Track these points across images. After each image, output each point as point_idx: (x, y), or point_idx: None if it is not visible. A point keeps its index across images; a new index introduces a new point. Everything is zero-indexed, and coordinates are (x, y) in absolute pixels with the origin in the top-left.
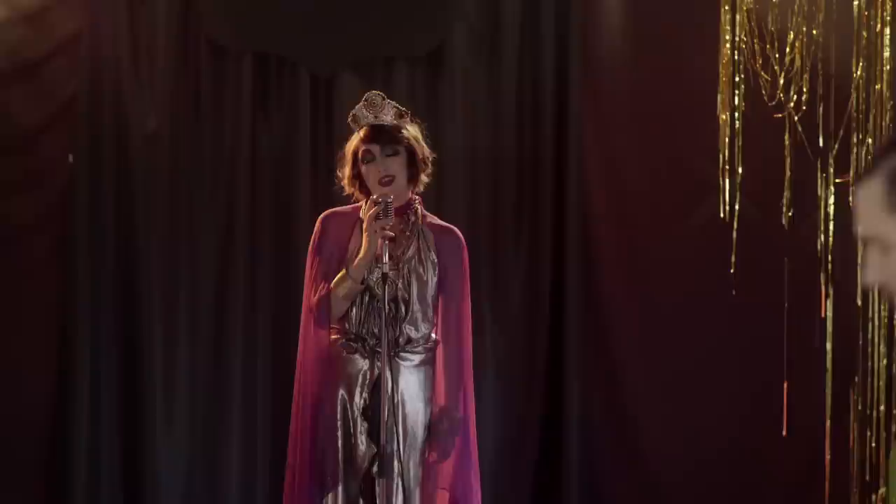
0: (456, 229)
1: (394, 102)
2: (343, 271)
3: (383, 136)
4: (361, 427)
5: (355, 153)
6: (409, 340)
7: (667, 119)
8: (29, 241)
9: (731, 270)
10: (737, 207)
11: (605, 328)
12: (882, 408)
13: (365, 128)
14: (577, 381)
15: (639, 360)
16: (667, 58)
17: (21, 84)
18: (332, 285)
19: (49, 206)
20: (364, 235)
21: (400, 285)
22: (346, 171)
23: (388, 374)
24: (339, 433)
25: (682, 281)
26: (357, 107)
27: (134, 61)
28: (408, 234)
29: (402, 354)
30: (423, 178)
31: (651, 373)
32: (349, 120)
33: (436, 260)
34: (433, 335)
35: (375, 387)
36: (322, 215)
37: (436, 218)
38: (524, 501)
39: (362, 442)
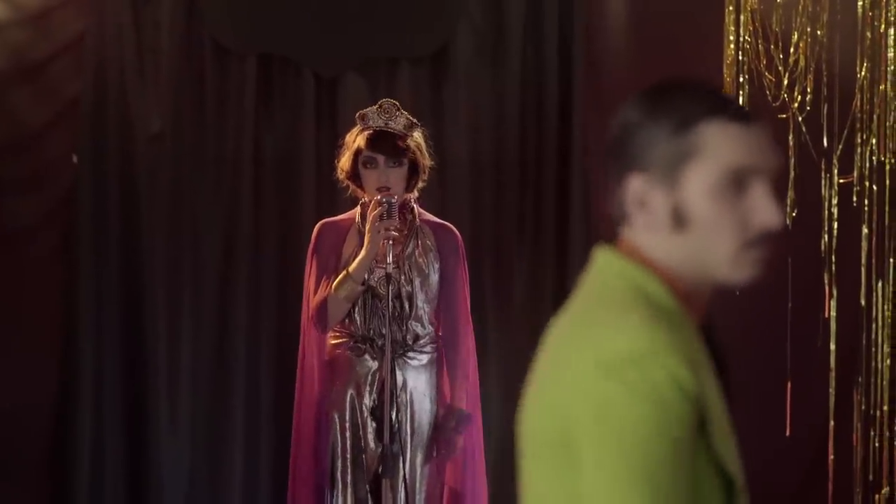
0: (452, 226)
1: (406, 113)
2: (344, 273)
3: (388, 147)
4: (371, 427)
5: (357, 153)
6: (417, 338)
7: None
8: (33, 239)
9: None
10: None
11: None
12: (885, 407)
13: (372, 130)
14: None
15: None
16: (670, 58)
17: (25, 84)
18: (332, 287)
19: (53, 206)
20: (366, 235)
21: (402, 282)
22: (345, 164)
23: (391, 372)
24: (349, 434)
25: None
26: (369, 109)
27: (138, 62)
28: (406, 232)
29: (411, 354)
30: (420, 184)
31: None
32: (357, 116)
33: (437, 256)
34: (440, 332)
35: (385, 386)
36: (318, 224)
37: (430, 215)
38: None
39: (371, 441)
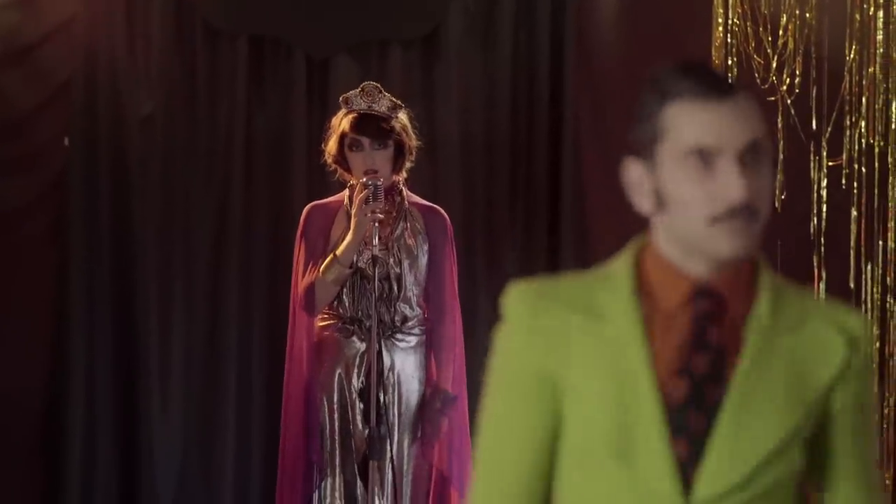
0: (440, 208)
1: (389, 95)
2: (331, 256)
3: (373, 129)
4: (359, 409)
5: (342, 137)
6: (405, 319)
7: None
8: (24, 222)
9: None
10: None
11: None
12: (875, 390)
13: (356, 114)
14: None
15: None
16: (660, 41)
17: (16, 67)
18: (320, 271)
19: (44, 189)
20: (353, 219)
21: (391, 263)
22: (331, 148)
23: (379, 354)
24: (337, 416)
25: None
26: (351, 92)
27: (129, 44)
28: (394, 214)
29: (399, 336)
30: (407, 164)
31: None
32: (340, 100)
33: (426, 238)
34: (427, 315)
35: (372, 368)
36: (307, 207)
37: (418, 198)
38: None
39: (360, 424)
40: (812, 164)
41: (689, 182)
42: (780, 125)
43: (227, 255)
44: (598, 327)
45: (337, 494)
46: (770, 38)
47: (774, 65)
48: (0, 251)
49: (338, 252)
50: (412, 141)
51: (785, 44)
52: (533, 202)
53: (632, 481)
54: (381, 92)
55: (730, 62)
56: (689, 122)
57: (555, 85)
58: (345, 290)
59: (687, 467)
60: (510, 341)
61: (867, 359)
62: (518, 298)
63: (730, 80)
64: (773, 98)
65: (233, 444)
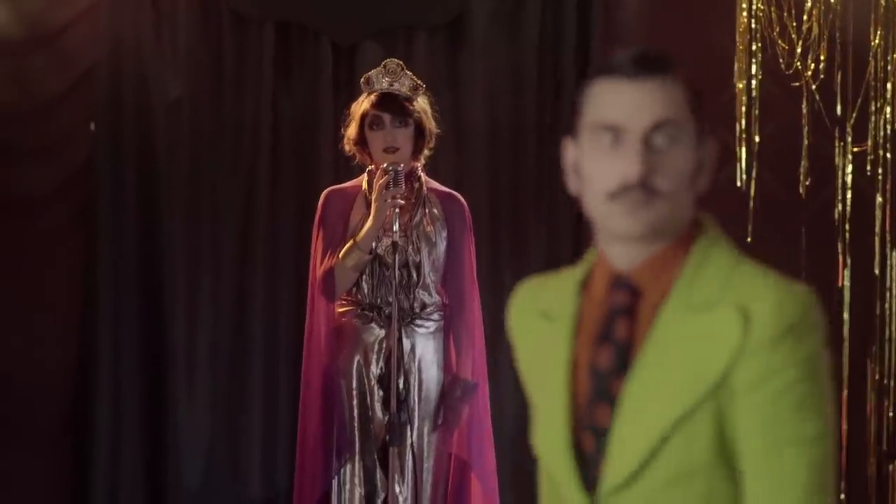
0: (458, 195)
1: (410, 74)
2: (351, 242)
3: (395, 106)
4: (378, 396)
5: (363, 116)
6: (424, 306)
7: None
8: (50, 208)
9: (748, 240)
10: (753, 176)
11: None
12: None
13: (377, 93)
14: None
15: None
16: (685, 26)
17: (42, 53)
18: (339, 256)
19: (69, 177)
20: (373, 204)
21: (410, 251)
22: (351, 132)
23: (399, 341)
24: (356, 402)
25: None
26: (374, 71)
27: (154, 30)
28: (413, 200)
29: (418, 322)
30: (427, 151)
31: None
32: (362, 81)
33: (445, 225)
34: (447, 301)
35: (392, 355)
36: (325, 192)
37: (437, 184)
38: None
39: (379, 410)
40: (837, 150)
41: (596, 157)
42: (804, 111)
43: (254, 244)
44: (547, 329)
45: (356, 481)
46: (794, 24)
47: (799, 50)
48: (25, 240)
49: (357, 238)
50: (432, 124)
51: (809, 29)
52: (558, 189)
53: (552, 481)
54: (403, 70)
55: (754, 47)
56: (603, 99)
57: (581, 71)
58: (364, 276)
59: (594, 462)
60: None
61: (777, 330)
62: (514, 299)
63: (664, 62)
64: (797, 84)
65: (259, 435)
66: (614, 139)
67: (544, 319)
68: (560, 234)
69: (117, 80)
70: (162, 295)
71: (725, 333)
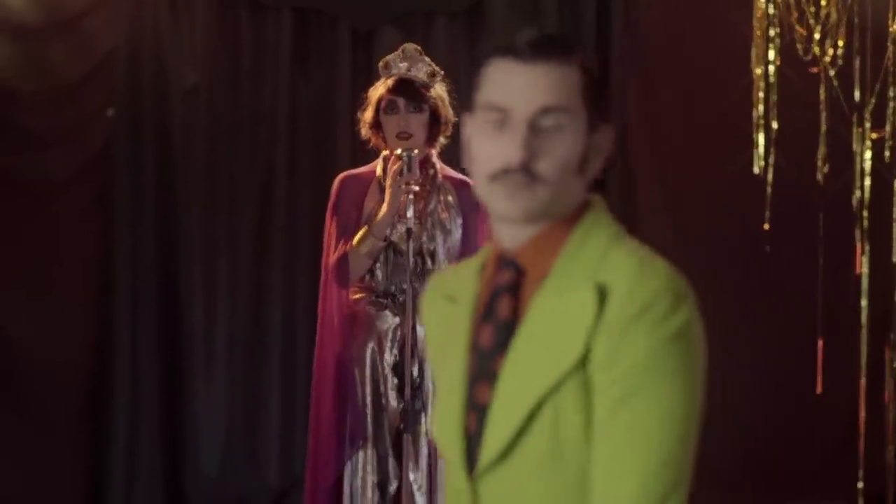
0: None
1: (428, 59)
2: (365, 228)
3: (410, 91)
4: (392, 383)
5: (379, 101)
6: None
7: (709, 74)
8: (69, 193)
9: (766, 226)
10: (771, 162)
11: None
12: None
13: (393, 78)
14: None
15: None
16: (705, 12)
17: (60, 39)
18: (353, 243)
19: (88, 162)
20: (387, 191)
21: (424, 238)
22: (367, 115)
23: (413, 329)
24: (369, 390)
25: (721, 236)
26: (391, 55)
27: (172, 16)
28: (428, 187)
29: None
30: (442, 139)
31: None
32: (380, 65)
33: (459, 212)
34: None
35: (406, 342)
36: (339, 177)
37: (452, 171)
38: None
39: (392, 398)
40: (855, 136)
41: (483, 137)
42: (822, 97)
43: (272, 229)
44: (451, 312)
45: (369, 468)
46: (813, 9)
47: (817, 36)
48: (44, 224)
49: (372, 224)
50: (449, 112)
51: (828, 14)
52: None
53: (446, 462)
54: (420, 54)
55: (772, 33)
56: (495, 80)
57: (601, 57)
58: (378, 263)
59: (476, 441)
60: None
61: (628, 312)
62: (428, 288)
63: (562, 48)
64: (815, 69)
65: (276, 423)
66: (501, 121)
67: (449, 302)
68: None
69: (136, 66)
70: (179, 281)
71: (582, 311)
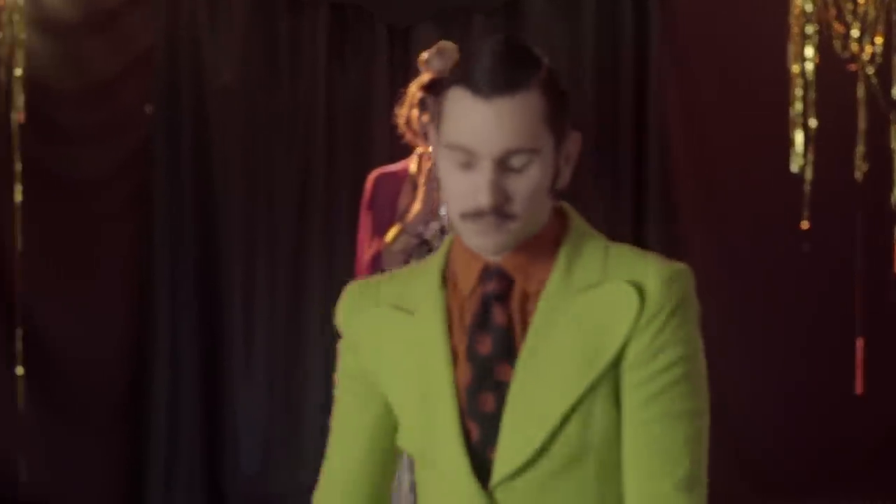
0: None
1: None
2: (398, 226)
3: None
4: None
5: (416, 98)
6: None
7: (746, 72)
8: (108, 188)
9: (803, 226)
10: (810, 161)
11: None
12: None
13: (430, 76)
14: None
15: (724, 315)
16: (741, 9)
17: (99, 35)
18: (387, 240)
19: (127, 157)
20: (420, 188)
21: None
22: (404, 112)
23: None
24: None
25: (759, 235)
26: (430, 52)
27: (210, 12)
28: None
29: None
30: None
31: (726, 328)
32: (419, 60)
33: None
34: None
35: None
36: (372, 174)
37: None
38: None
39: None
40: (893, 134)
41: (450, 175)
42: (860, 95)
43: (310, 226)
44: (408, 322)
45: (404, 466)
46: (851, 6)
47: (857, 33)
48: (85, 219)
49: (405, 222)
50: None
51: (866, 12)
52: (617, 178)
53: (438, 473)
54: (456, 52)
55: (810, 30)
56: (456, 118)
57: (639, 55)
58: (412, 261)
59: (481, 449)
60: (340, 342)
61: (667, 308)
62: (343, 299)
63: (521, 73)
64: (853, 67)
65: (316, 418)
66: (467, 161)
67: (404, 313)
68: (621, 217)
69: (174, 63)
70: (218, 279)
71: (624, 306)
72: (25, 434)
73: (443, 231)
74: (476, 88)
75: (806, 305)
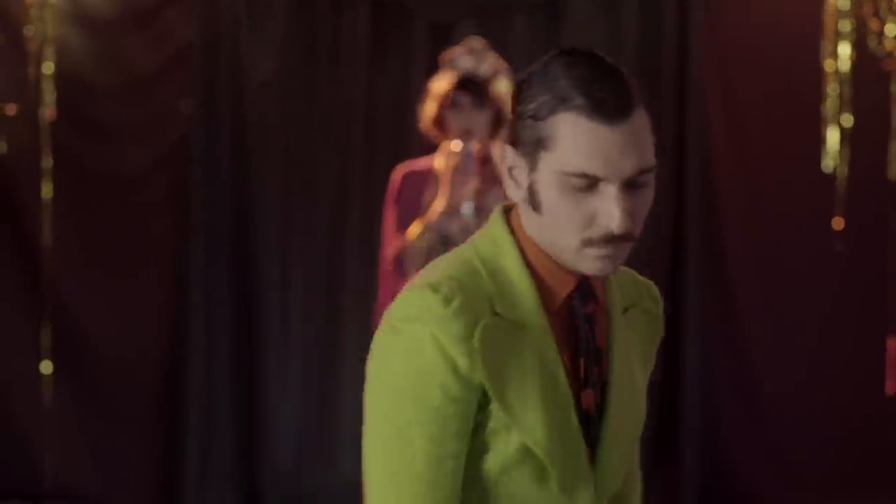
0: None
1: (494, 54)
2: (422, 223)
3: (475, 89)
4: None
5: (441, 96)
6: None
7: (785, 73)
8: (146, 185)
9: (835, 226)
10: (844, 159)
11: (726, 281)
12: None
13: (458, 74)
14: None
15: (757, 314)
16: (776, 6)
17: (137, 31)
18: (411, 235)
19: (165, 152)
20: (445, 185)
21: None
22: (428, 109)
23: None
24: None
25: (793, 234)
26: (456, 49)
27: (249, 8)
28: (487, 183)
29: None
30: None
31: (769, 328)
32: (443, 57)
33: None
34: None
35: None
36: (397, 170)
37: None
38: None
39: None
40: None
41: (568, 202)
42: (894, 92)
43: (347, 223)
44: (522, 336)
45: None
46: (887, 3)
47: (893, 30)
48: (122, 215)
49: (429, 218)
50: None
51: None
52: (658, 168)
53: (547, 487)
54: (486, 50)
55: (844, 29)
56: (576, 145)
57: (681, 54)
58: (435, 256)
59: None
60: (428, 356)
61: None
62: (461, 309)
63: (634, 92)
64: (889, 65)
65: (351, 414)
66: (589, 184)
67: (516, 328)
68: (660, 213)
69: (212, 59)
70: (254, 274)
71: (658, 321)
72: (55, 429)
73: (466, 228)
74: (597, 114)
75: (838, 305)
